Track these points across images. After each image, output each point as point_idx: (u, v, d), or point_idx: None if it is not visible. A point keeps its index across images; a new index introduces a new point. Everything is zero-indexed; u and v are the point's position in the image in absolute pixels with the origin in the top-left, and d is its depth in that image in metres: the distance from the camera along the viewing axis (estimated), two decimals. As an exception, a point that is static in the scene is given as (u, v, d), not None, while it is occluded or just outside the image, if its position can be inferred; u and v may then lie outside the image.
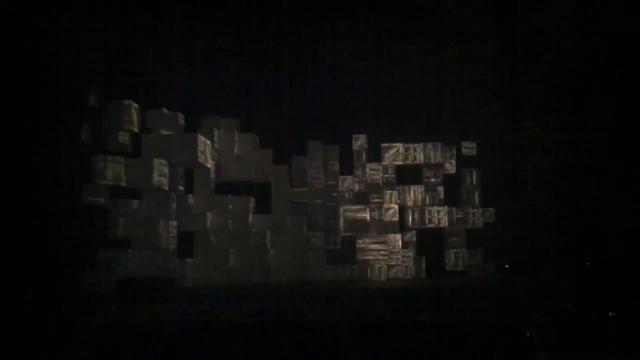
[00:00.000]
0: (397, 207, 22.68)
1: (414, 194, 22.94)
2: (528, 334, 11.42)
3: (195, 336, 11.46)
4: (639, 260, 18.41)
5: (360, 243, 21.91)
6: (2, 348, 10.35)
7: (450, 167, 23.24)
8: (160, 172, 19.67)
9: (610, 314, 12.75)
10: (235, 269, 20.30)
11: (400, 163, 23.01)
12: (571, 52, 22.25)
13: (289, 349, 10.57)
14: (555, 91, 22.81)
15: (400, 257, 22.02)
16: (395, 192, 22.76)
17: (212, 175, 21.12)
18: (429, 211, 22.82)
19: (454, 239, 22.82)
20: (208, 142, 20.93)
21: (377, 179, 22.80)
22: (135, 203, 19.51)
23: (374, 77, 23.23)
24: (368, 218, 22.35)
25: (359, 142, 22.85)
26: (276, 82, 22.51)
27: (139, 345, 10.74)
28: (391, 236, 22.11)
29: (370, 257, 21.80)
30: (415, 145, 23.07)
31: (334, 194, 22.21)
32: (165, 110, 20.43)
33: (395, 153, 22.97)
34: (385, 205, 22.60)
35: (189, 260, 20.06)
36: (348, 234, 22.14)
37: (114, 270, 17.98)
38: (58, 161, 17.53)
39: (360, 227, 22.25)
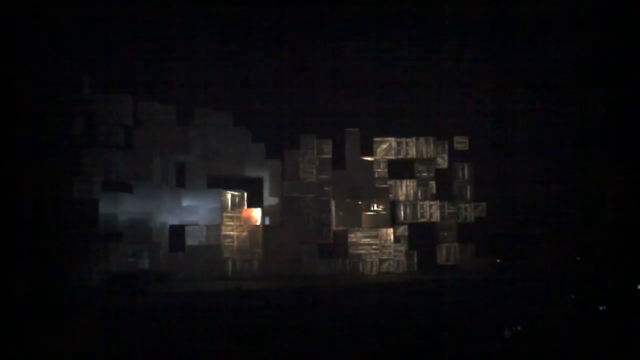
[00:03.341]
0: (389, 201, 22.70)
1: (406, 188, 22.95)
2: (519, 328, 11.48)
3: (186, 328, 11.47)
4: (631, 254, 18.53)
5: (352, 237, 21.89)
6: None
7: (443, 162, 23.26)
8: (152, 166, 19.67)
9: (601, 307, 12.84)
10: (227, 262, 20.29)
11: (393, 157, 23.00)
12: (566, 48, 22.33)
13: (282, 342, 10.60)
14: (548, 88, 22.88)
15: (392, 251, 22.02)
16: (388, 186, 22.77)
17: (204, 169, 21.08)
18: (421, 205, 22.84)
19: (446, 234, 22.85)
20: (200, 135, 20.92)
21: (370, 173, 22.78)
22: (127, 196, 19.52)
23: (368, 73, 23.25)
24: (360, 212, 22.35)
25: (352, 136, 22.81)
26: (269, 76, 22.50)
27: (132, 338, 10.75)
28: (383, 230, 22.11)
29: (362, 251, 21.79)
30: (408, 139, 23.08)
31: (326, 188, 22.16)
32: (157, 103, 20.40)
33: (387, 147, 22.98)
34: (377, 200, 22.61)
35: (180, 253, 20.07)
36: (340, 227, 22.12)
37: (106, 264, 17.96)
38: (50, 154, 17.48)
39: (352, 221, 22.24)
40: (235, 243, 20.63)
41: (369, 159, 22.92)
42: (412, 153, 23.01)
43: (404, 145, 23.00)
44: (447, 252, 22.59)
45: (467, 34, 22.97)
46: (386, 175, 22.93)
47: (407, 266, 22.09)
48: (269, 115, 22.01)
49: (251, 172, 21.71)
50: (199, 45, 21.56)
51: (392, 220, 22.67)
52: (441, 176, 23.34)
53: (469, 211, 23.11)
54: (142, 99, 20.26)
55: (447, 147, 23.27)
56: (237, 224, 20.85)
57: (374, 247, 21.89)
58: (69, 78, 18.48)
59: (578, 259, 20.79)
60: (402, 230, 22.57)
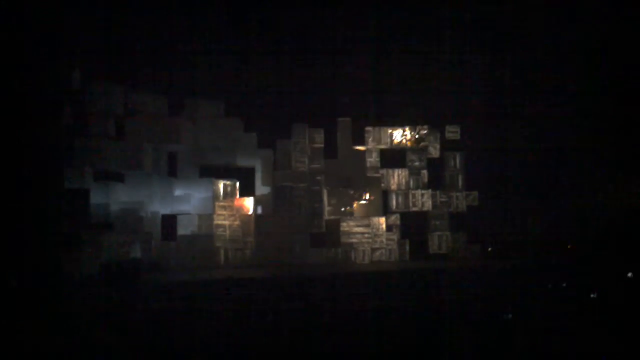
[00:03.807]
0: (381, 190, 22.73)
1: (398, 177, 22.98)
2: (509, 316, 11.53)
3: (176, 319, 11.48)
4: (621, 242, 18.64)
5: (345, 226, 21.92)
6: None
7: (435, 151, 23.28)
8: (143, 156, 19.62)
9: (592, 295, 12.91)
10: (219, 251, 20.30)
11: (385, 147, 23.01)
12: (556, 38, 22.38)
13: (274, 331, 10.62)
14: (540, 77, 22.92)
15: (384, 240, 22.08)
16: (380, 176, 22.80)
17: (196, 159, 21.05)
18: (413, 194, 22.90)
19: (438, 222, 22.92)
20: (192, 125, 20.89)
21: (362, 163, 22.79)
22: (118, 186, 19.47)
23: (360, 61, 23.23)
24: (352, 201, 22.38)
25: (344, 125, 22.79)
26: (261, 65, 22.44)
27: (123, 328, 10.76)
28: (375, 219, 22.15)
29: (354, 240, 21.83)
30: (400, 128, 23.08)
31: (318, 178, 22.16)
32: (148, 93, 20.31)
33: (379, 137, 22.99)
34: (369, 189, 22.64)
35: (172, 243, 20.07)
36: (332, 217, 22.15)
37: (97, 254, 17.91)
38: (40, 144, 17.38)
39: (344, 211, 22.26)
40: (228, 232, 20.64)
41: (361, 148, 22.94)
42: (404, 142, 23.03)
43: (396, 134, 23.02)
44: (439, 241, 22.68)
45: (463, 24, 22.97)
46: (378, 165, 22.95)
47: (399, 255, 22.18)
48: (261, 105, 21.97)
49: (243, 162, 21.68)
50: (190, 36, 21.47)
51: (384, 209, 22.73)
52: (433, 165, 23.38)
53: (461, 200, 23.18)
54: (133, 89, 20.16)
55: (439, 136, 23.28)
56: (229, 213, 20.84)
57: (366, 235, 21.94)
58: (60, 68, 18.35)
59: (569, 247, 20.90)
60: (394, 219, 22.62)
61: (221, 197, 20.84)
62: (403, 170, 23.04)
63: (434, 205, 22.99)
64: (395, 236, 22.32)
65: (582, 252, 19.77)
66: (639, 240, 18.92)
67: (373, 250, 21.90)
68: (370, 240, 21.92)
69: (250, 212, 21.23)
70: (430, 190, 23.02)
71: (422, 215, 23.00)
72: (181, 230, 20.29)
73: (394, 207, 22.80)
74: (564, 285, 14.40)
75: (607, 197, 21.45)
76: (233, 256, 20.45)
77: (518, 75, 23.07)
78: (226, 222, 20.69)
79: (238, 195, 21.26)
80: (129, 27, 20.14)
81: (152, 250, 19.24)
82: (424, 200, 22.89)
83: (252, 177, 21.91)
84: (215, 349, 9.79)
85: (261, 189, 21.91)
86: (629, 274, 15.12)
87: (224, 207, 20.78)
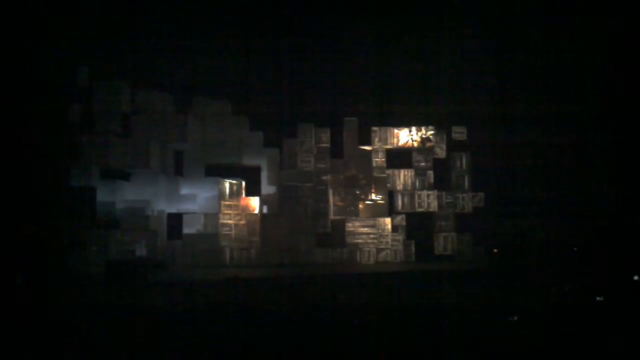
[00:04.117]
0: (387, 190, 22.70)
1: (404, 177, 22.93)
2: (515, 318, 11.48)
3: (181, 318, 11.47)
4: (626, 245, 18.55)
5: (350, 226, 21.89)
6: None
7: (441, 152, 23.22)
8: (150, 154, 19.65)
9: (598, 298, 12.84)
10: (225, 250, 20.31)
11: (391, 147, 22.98)
12: (561, 40, 22.33)
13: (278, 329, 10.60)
14: (545, 79, 22.86)
15: (389, 240, 22.02)
16: (386, 176, 22.76)
17: (202, 158, 21.07)
18: (419, 195, 22.84)
19: (443, 223, 22.87)
20: (198, 124, 20.90)
21: (368, 163, 22.75)
22: (124, 184, 19.52)
23: (367, 61, 23.21)
24: (358, 201, 22.35)
25: (350, 125, 22.76)
26: (268, 64, 22.45)
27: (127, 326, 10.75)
28: (381, 220, 22.11)
29: (359, 241, 21.79)
30: (406, 129, 23.05)
31: (324, 177, 22.15)
32: (155, 91, 20.34)
33: (385, 137, 22.95)
34: (375, 189, 22.61)
35: (178, 241, 20.09)
36: (338, 217, 22.12)
37: (103, 252, 17.95)
38: (46, 142, 17.43)
39: (350, 211, 22.24)
40: (233, 231, 20.66)
41: (367, 148, 22.90)
42: (410, 142, 22.99)
43: (402, 135, 22.99)
44: (444, 242, 22.63)
45: (466, 24, 22.93)
46: (384, 165, 22.91)
47: (404, 256, 22.13)
48: (267, 104, 21.98)
49: (249, 161, 21.70)
50: (197, 34, 21.49)
51: (390, 210, 22.68)
52: (439, 166, 23.32)
53: (467, 201, 23.11)
54: (140, 87, 20.21)
55: (445, 136, 23.23)
56: (235, 212, 20.85)
57: (371, 236, 21.89)
58: (67, 66, 18.41)
59: (575, 249, 20.81)
60: (400, 219, 22.58)
61: (227, 196, 20.86)
62: (409, 170, 22.99)
63: (440, 206, 22.93)
64: (400, 237, 22.27)
65: (587, 255, 19.67)
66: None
67: (378, 250, 21.86)
68: (375, 240, 21.87)
69: (256, 211, 21.23)
70: (436, 191, 22.96)
71: (428, 216, 22.96)
72: (187, 229, 20.31)
73: (400, 207, 22.75)
74: (569, 287, 14.33)
75: (615, 200, 21.35)
76: (238, 255, 20.46)
77: (524, 76, 23.01)
78: (232, 221, 20.71)
79: (244, 195, 21.29)
80: (135, 26, 20.17)
81: (158, 248, 19.28)
82: (429, 201, 22.84)
83: (258, 176, 21.92)
84: (218, 349, 9.78)
85: (267, 188, 21.90)
86: (635, 277, 15.04)
87: (230, 206, 20.81)
